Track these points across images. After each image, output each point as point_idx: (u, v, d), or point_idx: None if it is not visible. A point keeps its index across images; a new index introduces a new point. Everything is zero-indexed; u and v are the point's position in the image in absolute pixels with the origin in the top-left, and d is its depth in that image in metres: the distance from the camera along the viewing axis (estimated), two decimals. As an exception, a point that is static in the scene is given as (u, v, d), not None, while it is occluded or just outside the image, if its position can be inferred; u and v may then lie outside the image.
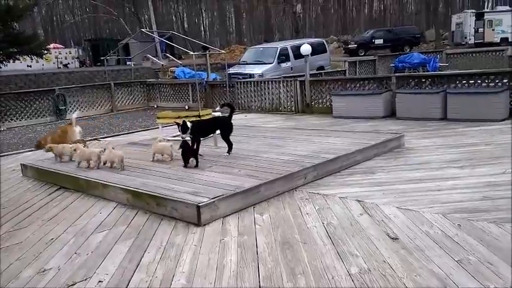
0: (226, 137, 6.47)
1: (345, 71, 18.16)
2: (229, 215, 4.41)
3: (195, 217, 4.20)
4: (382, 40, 32.94)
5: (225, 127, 6.56)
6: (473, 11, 35.23)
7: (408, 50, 29.91)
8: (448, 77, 10.00)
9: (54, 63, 36.05)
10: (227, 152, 6.42)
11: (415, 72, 18.18)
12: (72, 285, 3.19)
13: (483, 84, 9.28)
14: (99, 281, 3.22)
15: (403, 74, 14.87)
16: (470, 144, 6.86)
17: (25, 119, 13.38)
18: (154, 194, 4.65)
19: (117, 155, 5.87)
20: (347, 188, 5.12)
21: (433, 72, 15.80)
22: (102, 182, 5.28)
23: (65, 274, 3.36)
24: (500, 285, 2.86)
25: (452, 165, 5.75)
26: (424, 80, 10.28)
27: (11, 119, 13.10)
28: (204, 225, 4.17)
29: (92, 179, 5.45)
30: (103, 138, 9.84)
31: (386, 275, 3.07)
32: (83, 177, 5.56)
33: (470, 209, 4.17)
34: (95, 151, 6.00)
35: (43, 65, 34.16)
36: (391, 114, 10.17)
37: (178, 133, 7.74)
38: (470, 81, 9.45)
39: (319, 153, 6.15)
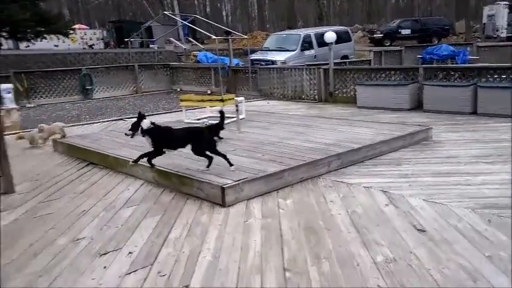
0: (199, 152, 4.90)
1: (370, 60, 17.88)
2: (253, 198, 4.46)
3: (219, 198, 4.26)
4: (409, 30, 32.20)
5: (197, 139, 4.93)
6: (507, 3, 33.96)
7: (436, 41, 29.18)
8: (479, 70, 9.76)
9: (79, 43, 36.49)
10: (206, 167, 4.85)
11: (444, 64, 17.79)
12: (104, 254, 3.30)
13: (515, 78, 9.03)
14: (129, 252, 3.32)
15: (431, 65, 14.58)
16: (501, 140, 6.70)
17: (53, 97, 13.67)
18: (181, 173, 4.72)
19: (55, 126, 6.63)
20: (372, 178, 5.10)
21: (462, 65, 15.43)
22: (130, 159, 5.37)
23: (96, 244, 3.48)
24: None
25: (482, 161, 5.65)
26: (453, 73, 10.06)
27: (40, 96, 13.39)
28: (229, 206, 4.23)
29: (120, 156, 5.56)
30: (129, 118, 9.97)
31: (412, 265, 3.07)
32: (111, 155, 5.67)
33: (501, 205, 4.10)
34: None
35: (69, 45, 34.57)
36: (417, 106, 10.01)
37: (203, 115, 7.82)
38: (503, 76, 9.20)
39: (343, 142, 6.12)
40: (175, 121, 8.43)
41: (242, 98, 9.19)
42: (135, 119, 4.74)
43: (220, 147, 5.94)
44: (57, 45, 32.04)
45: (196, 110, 9.52)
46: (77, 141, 6.56)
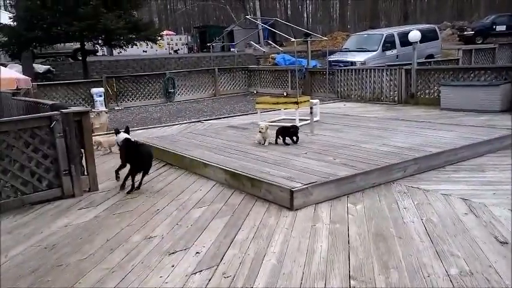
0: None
1: (458, 59, 16.74)
2: (322, 202, 4.39)
3: (288, 201, 4.26)
4: (504, 26, 29.58)
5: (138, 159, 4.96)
6: None
7: (536, 38, 26.49)
8: None
9: (166, 49, 38.66)
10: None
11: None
12: (173, 253, 3.45)
13: None
14: (197, 252, 3.44)
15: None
16: None
17: (139, 100, 14.62)
18: (251, 175, 4.80)
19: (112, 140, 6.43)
20: (451, 184, 4.77)
21: None
22: (204, 161, 5.58)
23: (167, 243, 3.64)
24: None
25: None
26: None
27: (128, 99, 14.41)
28: (296, 209, 4.21)
29: (195, 158, 5.79)
30: (206, 120, 10.35)
31: (491, 280, 2.83)
32: (187, 156, 5.93)
33: None
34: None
35: (156, 50, 36.79)
36: (509, 108, 9.18)
37: (277, 118, 7.89)
38: None
39: (422, 146, 5.81)
40: (250, 123, 8.59)
41: (317, 101, 9.12)
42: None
43: (292, 149, 5.99)
44: (145, 51, 34.26)
45: (271, 112, 9.60)
46: (156, 142, 6.95)
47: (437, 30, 20.89)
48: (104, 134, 8.61)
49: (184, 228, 3.92)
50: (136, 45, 18.36)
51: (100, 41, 18.14)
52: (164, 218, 4.19)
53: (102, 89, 13.36)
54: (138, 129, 9.49)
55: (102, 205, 4.65)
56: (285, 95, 15.33)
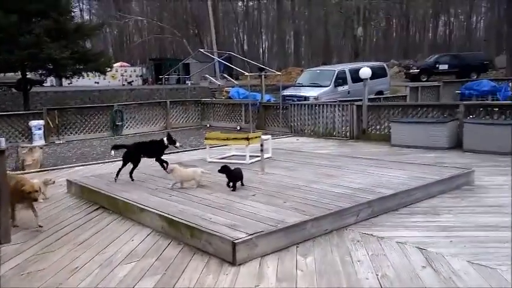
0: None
1: (406, 96, 17.22)
2: (269, 254, 3.93)
3: (230, 254, 3.77)
4: (446, 66, 31.24)
5: None
6: (551, 37, 32.63)
7: (475, 76, 28.07)
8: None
9: (119, 80, 37.81)
10: None
11: (484, 100, 16.87)
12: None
13: None
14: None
15: (473, 102, 13.76)
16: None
17: (83, 133, 13.75)
18: (190, 223, 4.28)
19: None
20: (406, 231, 4.48)
21: (507, 102, 14.50)
22: (140, 205, 5.01)
23: (80, 312, 3.04)
24: None
25: (533, 211, 4.93)
26: (496, 110, 9.31)
27: (70, 133, 13.51)
28: (240, 264, 3.72)
29: (129, 201, 5.21)
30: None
31: None
32: (121, 198, 5.33)
33: None
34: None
35: (109, 82, 35.92)
36: (456, 145, 9.28)
37: (227, 154, 7.48)
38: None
39: (375, 187, 5.54)
40: (199, 159, 8.11)
41: (268, 136, 8.79)
42: None
43: (240, 191, 5.54)
44: (97, 82, 33.32)
45: (221, 147, 9.17)
46: (90, 182, 6.28)
47: (386, 67, 21.59)
48: (37, 172, 7.82)
49: (105, 292, 3.33)
50: (83, 76, 17.57)
51: (44, 71, 17.19)
52: (83, 277, 3.56)
53: (42, 122, 12.45)
54: (77, 166, 8.76)
55: (11, 261, 3.93)
56: (239, 129, 15.11)
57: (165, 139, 6.75)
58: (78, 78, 18.32)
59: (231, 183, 5.62)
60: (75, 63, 16.32)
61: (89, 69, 17.25)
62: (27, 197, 4.63)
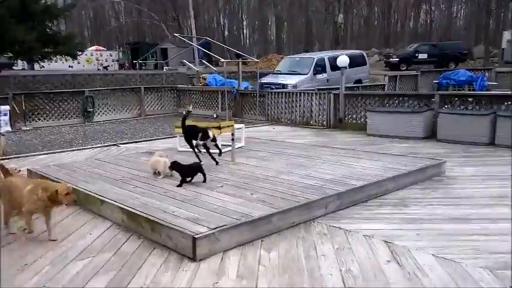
0: None
1: (384, 85, 17.22)
2: (232, 248, 3.79)
3: (190, 250, 3.61)
4: (426, 55, 31.47)
5: None
6: (527, 28, 33.15)
7: (453, 66, 28.41)
8: (499, 97, 9.04)
9: (94, 65, 36.85)
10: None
11: (460, 90, 17.02)
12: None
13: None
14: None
15: (447, 92, 13.87)
16: (523, 177, 5.96)
17: (53, 120, 13.31)
18: (151, 217, 4.09)
19: None
20: (374, 223, 4.39)
21: (482, 92, 14.65)
22: (100, 197, 4.79)
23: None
24: None
25: (501, 202, 4.94)
26: (471, 100, 9.33)
27: (38, 119, 13.05)
28: (200, 260, 3.57)
29: (91, 192, 4.98)
30: (123, 144, 9.47)
31: None
32: (82, 190, 5.08)
33: (526, 266, 3.37)
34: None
35: (84, 66, 34.98)
36: (431, 135, 9.30)
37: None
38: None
39: (346, 178, 5.45)
40: (169, 148, 7.90)
41: (242, 125, 8.62)
42: None
43: (207, 183, 5.37)
44: (71, 66, 32.40)
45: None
46: (50, 171, 6.01)
47: (366, 56, 21.55)
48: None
49: (53, 291, 3.13)
50: (52, 59, 16.93)
51: (10, 54, 16.48)
52: (31, 275, 3.34)
53: (7, 107, 11.98)
54: (42, 154, 8.43)
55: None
56: (215, 116, 14.86)
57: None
58: (49, 62, 17.68)
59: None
60: (43, 46, 15.68)
61: (58, 53, 16.60)
62: (63, 199, 3.95)
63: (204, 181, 5.35)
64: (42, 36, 15.01)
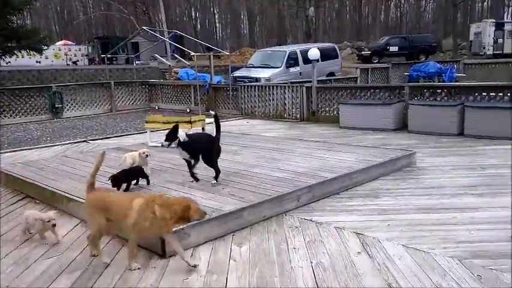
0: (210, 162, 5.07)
1: (356, 78, 17.40)
2: (203, 244, 3.74)
3: (159, 246, 3.53)
4: (397, 47, 32.03)
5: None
6: (493, 20, 34.11)
7: (424, 58, 28.98)
8: (467, 88, 9.24)
9: (63, 60, 35.85)
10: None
11: (430, 81, 17.37)
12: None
13: (505, 97, 8.48)
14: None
15: (417, 83, 14.11)
16: (490, 166, 6.11)
17: (19, 116, 12.87)
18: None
19: None
20: (345, 215, 4.42)
21: (450, 83, 14.98)
22: (68, 194, 4.65)
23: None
24: None
25: (469, 192, 5.03)
26: (439, 91, 9.52)
27: (5, 116, 12.59)
28: (170, 256, 3.50)
29: (58, 190, 4.82)
30: (93, 140, 9.24)
31: None
32: (49, 188, 4.92)
33: (494, 253, 3.44)
34: None
35: (52, 61, 33.99)
36: (402, 127, 9.43)
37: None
38: (491, 94, 8.65)
39: (318, 170, 5.46)
40: (140, 143, 7.74)
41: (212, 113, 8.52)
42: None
43: (178, 177, 5.29)
44: (39, 62, 31.41)
45: (163, 131, 8.79)
46: (16, 170, 5.80)
47: (337, 49, 21.71)
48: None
49: (14, 294, 3.00)
50: (15, 54, 16.30)
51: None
52: (-8, 279, 3.22)
53: (-31, 104, 11.52)
54: (7, 152, 8.12)
55: None
56: (188, 111, 14.68)
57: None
58: (15, 57, 17.04)
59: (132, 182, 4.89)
60: (5, 40, 15.07)
61: (22, 48, 15.98)
62: (194, 216, 3.27)
63: (148, 183, 5.00)
64: (2, 30, 14.39)
